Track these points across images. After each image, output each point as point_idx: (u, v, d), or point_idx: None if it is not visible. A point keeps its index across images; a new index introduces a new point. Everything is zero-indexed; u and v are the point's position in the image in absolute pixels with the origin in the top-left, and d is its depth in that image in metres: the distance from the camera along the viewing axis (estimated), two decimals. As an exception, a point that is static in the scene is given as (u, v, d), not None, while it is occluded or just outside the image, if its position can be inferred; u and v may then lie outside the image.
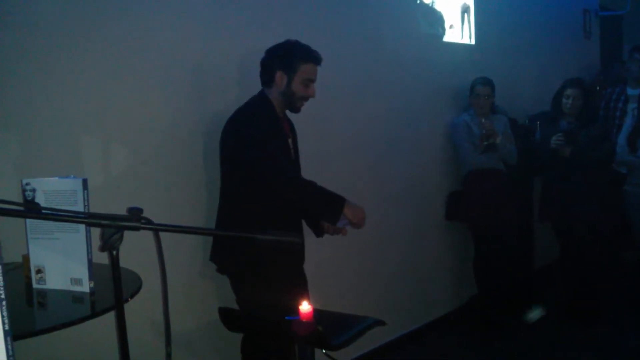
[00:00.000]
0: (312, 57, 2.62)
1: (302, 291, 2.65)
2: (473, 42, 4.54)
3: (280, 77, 2.60)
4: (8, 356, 0.98)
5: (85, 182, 1.76)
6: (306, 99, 2.65)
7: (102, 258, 1.59)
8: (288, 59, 2.60)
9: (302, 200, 2.57)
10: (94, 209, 1.74)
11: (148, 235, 1.47)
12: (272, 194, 2.52)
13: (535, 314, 4.26)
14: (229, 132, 2.58)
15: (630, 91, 4.95)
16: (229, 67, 2.90)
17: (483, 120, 4.08)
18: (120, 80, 2.48)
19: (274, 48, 2.65)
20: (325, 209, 2.56)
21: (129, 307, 1.55)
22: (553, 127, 4.25)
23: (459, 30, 4.42)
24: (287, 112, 2.73)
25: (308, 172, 2.85)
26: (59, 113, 2.30)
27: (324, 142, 3.38)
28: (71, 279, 1.78)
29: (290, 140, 2.72)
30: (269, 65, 2.63)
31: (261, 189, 2.52)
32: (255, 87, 2.71)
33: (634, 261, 4.56)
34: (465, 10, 4.46)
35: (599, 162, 4.27)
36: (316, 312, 2.04)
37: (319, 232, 2.81)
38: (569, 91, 4.23)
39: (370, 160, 3.74)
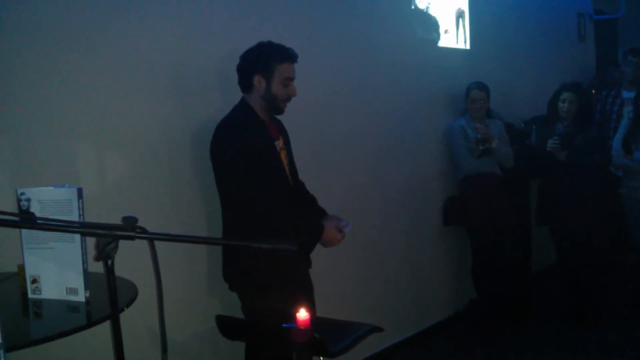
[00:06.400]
0: (287, 56, 2.55)
1: (307, 298, 2.60)
2: (468, 47, 4.55)
3: (258, 82, 2.55)
4: (1, 368, 0.97)
5: (80, 191, 1.75)
6: (289, 99, 2.60)
7: (98, 267, 1.58)
8: (263, 61, 2.54)
9: (279, 223, 2.52)
10: (89, 218, 1.74)
11: (143, 244, 1.47)
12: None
13: None
14: (215, 144, 2.56)
15: (625, 94, 4.96)
16: (220, 72, 2.88)
17: (478, 124, 4.08)
18: (115, 89, 2.48)
19: (247, 53, 2.59)
20: (300, 237, 2.49)
21: (125, 317, 1.55)
22: (549, 131, 4.25)
23: (454, 35, 4.43)
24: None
25: (306, 177, 2.85)
26: (52, 123, 2.29)
27: (320, 147, 3.37)
28: (67, 289, 1.78)
29: (279, 143, 2.66)
30: (245, 71, 2.59)
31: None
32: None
33: (631, 264, 4.56)
34: (460, 15, 4.47)
35: (595, 166, 4.27)
36: (313, 319, 2.04)
37: None
38: (564, 95, 4.24)
39: (367, 165, 3.74)
